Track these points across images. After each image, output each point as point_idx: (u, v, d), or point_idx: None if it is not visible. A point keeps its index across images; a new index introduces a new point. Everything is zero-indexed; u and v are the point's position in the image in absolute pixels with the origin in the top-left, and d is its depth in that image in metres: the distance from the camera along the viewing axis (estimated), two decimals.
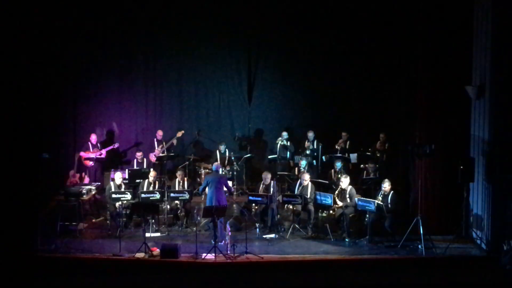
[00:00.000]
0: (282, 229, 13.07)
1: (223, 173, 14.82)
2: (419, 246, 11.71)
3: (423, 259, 11.52)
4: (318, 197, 12.75)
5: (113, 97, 16.55)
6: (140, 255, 11.50)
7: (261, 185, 13.31)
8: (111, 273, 10.99)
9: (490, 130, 11.74)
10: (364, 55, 15.76)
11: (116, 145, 15.66)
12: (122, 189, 13.18)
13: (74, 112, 16.23)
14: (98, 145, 15.49)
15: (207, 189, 12.47)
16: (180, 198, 13.07)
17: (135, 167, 14.92)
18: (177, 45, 16.54)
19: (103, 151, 15.37)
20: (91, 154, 15.20)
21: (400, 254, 11.69)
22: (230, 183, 14.47)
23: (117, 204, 12.83)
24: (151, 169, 14.08)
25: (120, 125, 16.61)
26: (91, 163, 15.22)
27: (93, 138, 15.41)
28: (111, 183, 13.45)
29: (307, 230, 12.84)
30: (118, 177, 13.42)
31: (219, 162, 15.22)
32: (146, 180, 13.45)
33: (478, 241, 12.17)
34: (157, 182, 13.71)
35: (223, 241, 11.86)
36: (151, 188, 13.28)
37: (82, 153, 15.25)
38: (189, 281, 10.76)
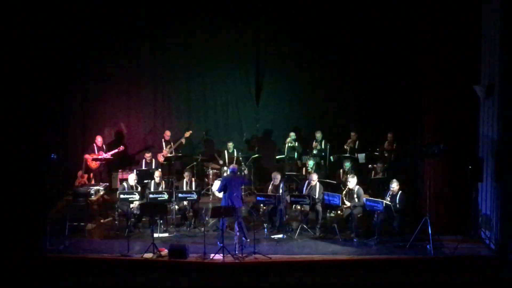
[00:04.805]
0: (290, 229, 13.06)
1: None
2: (428, 246, 11.68)
3: (432, 259, 11.49)
4: (326, 197, 12.73)
5: (121, 97, 16.58)
6: (148, 255, 11.52)
7: (270, 185, 13.29)
8: (119, 273, 10.99)
9: (499, 130, 11.69)
10: (372, 55, 15.72)
11: (121, 148, 15.58)
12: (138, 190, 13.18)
13: (82, 113, 16.28)
14: (104, 147, 15.39)
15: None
16: (188, 198, 13.09)
17: (143, 168, 14.91)
18: (185, 45, 16.54)
19: (108, 155, 15.28)
20: (95, 156, 15.14)
21: (409, 254, 11.66)
22: None
23: (132, 205, 12.85)
24: (159, 169, 14.07)
25: (128, 125, 16.64)
26: (96, 164, 15.18)
27: (99, 140, 15.30)
28: (124, 183, 13.45)
29: (315, 230, 12.83)
30: (132, 178, 13.40)
31: (227, 161, 15.26)
32: (153, 181, 13.48)
33: (487, 241, 12.12)
34: (163, 182, 13.71)
35: (246, 240, 12.00)
36: (159, 188, 13.31)
37: (86, 156, 15.21)
38: (197, 282, 10.75)
